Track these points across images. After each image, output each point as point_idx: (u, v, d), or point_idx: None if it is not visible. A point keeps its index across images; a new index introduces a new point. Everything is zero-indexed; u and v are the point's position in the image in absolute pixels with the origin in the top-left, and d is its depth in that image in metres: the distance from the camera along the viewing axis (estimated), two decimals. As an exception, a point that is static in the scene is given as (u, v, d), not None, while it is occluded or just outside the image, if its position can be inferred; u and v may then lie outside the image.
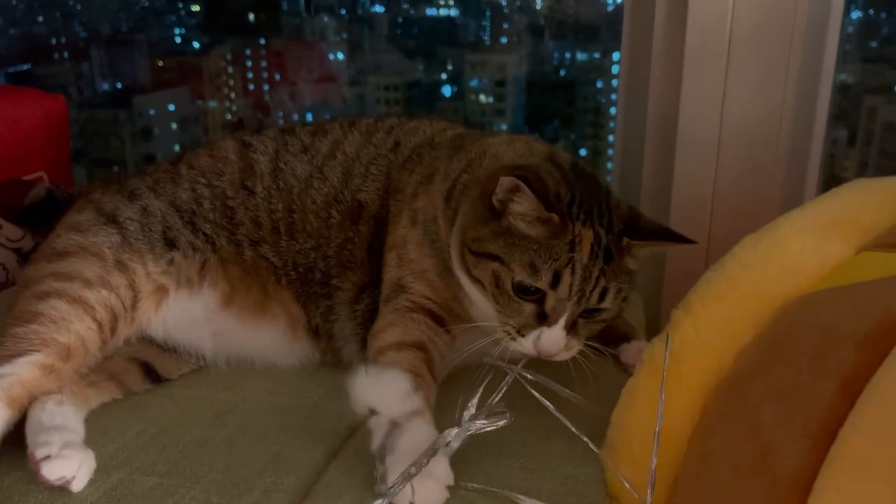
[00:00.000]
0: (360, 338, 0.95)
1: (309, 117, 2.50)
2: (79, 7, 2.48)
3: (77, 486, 0.75)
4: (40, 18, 2.44)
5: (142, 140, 2.39)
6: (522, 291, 0.81)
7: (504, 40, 2.52)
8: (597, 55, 2.27)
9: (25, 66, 2.39)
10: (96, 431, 0.85)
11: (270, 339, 0.99)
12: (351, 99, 2.49)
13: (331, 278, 0.96)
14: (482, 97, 2.43)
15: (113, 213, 0.97)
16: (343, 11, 2.53)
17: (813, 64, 1.04)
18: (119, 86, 2.45)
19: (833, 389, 0.59)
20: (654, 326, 1.15)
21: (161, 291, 0.96)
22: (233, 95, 2.44)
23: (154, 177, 1.02)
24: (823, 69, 1.04)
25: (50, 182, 1.31)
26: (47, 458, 0.75)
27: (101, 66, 2.41)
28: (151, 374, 0.97)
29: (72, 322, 0.87)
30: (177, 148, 2.43)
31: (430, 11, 2.61)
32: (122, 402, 0.94)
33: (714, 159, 1.07)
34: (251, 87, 2.46)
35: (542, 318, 0.82)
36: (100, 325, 0.89)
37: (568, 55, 2.35)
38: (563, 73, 2.36)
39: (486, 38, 2.46)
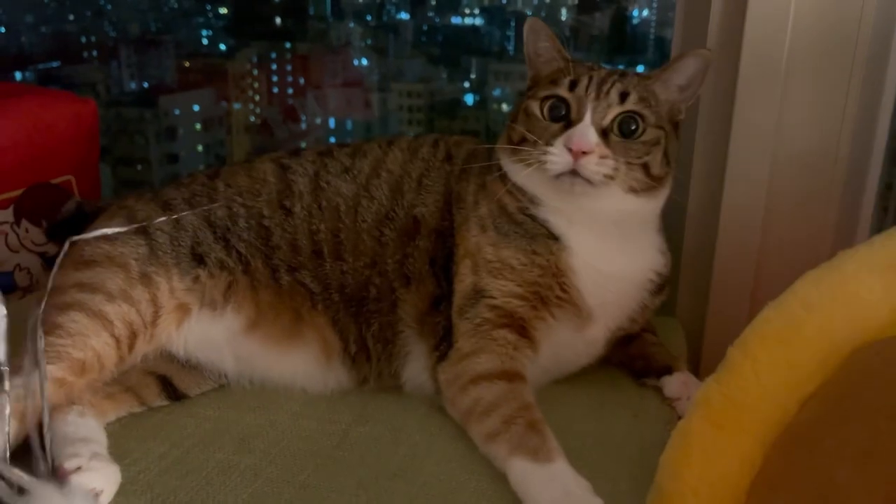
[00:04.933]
0: (432, 356, 0.88)
1: (331, 123, 2.44)
2: (109, 7, 2.43)
3: (104, 500, 0.72)
4: (71, 17, 2.40)
5: (166, 139, 2.35)
6: (552, 111, 0.83)
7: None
8: (621, 66, 2.21)
9: (55, 64, 2.34)
10: (118, 451, 0.80)
11: (300, 366, 0.93)
12: (374, 104, 2.43)
13: (392, 291, 0.90)
14: (505, 106, 2.38)
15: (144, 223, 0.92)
16: (369, 17, 2.48)
17: (874, 89, 0.97)
18: (146, 85, 2.40)
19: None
20: (696, 358, 1.08)
21: (183, 310, 0.90)
22: (257, 98, 2.39)
23: (191, 189, 0.96)
24: (884, 94, 0.96)
25: (78, 186, 1.26)
26: (78, 469, 0.72)
27: (128, 66, 2.37)
28: (169, 389, 0.92)
29: (89, 337, 0.82)
30: (200, 148, 2.38)
31: (456, 20, 2.55)
32: (143, 419, 0.88)
33: (765, 187, 1.00)
34: (276, 90, 2.41)
35: (569, 126, 0.82)
36: (117, 341, 0.84)
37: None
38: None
39: (511, 47, 2.40)
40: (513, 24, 2.46)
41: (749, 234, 1.01)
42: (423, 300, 0.90)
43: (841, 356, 0.66)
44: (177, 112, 2.37)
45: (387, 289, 0.90)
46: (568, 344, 0.89)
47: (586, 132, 0.80)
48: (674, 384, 0.90)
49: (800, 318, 0.69)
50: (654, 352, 0.95)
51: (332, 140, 2.58)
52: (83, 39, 2.36)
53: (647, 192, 0.84)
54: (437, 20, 2.51)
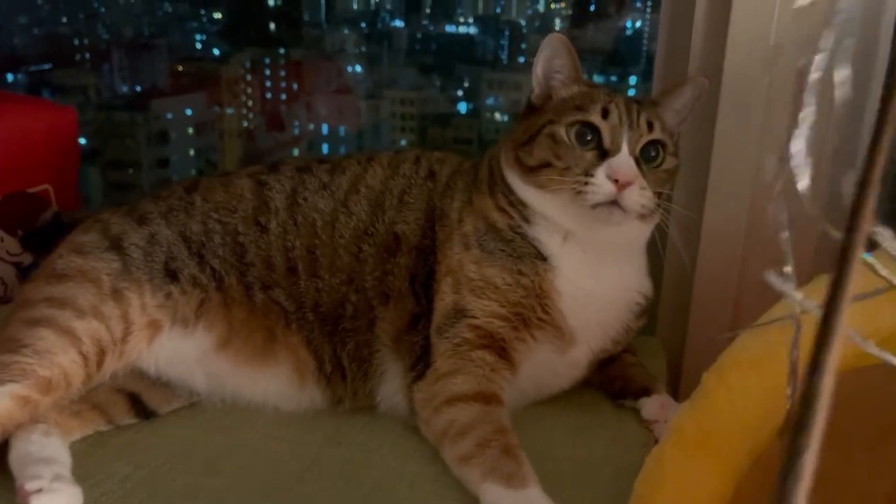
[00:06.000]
0: (408, 375, 0.86)
1: (324, 130, 2.42)
2: (102, 10, 2.42)
3: None
4: (64, 19, 2.38)
5: (157, 143, 2.33)
6: (579, 138, 0.81)
7: (522, 60, 2.45)
8: (614, 78, 2.20)
9: (47, 66, 2.33)
10: (83, 472, 0.77)
11: (273, 385, 0.91)
12: (366, 112, 2.42)
13: (370, 309, 0.88)
14: (497, 116, 2.37)
15: (118, 238, 0.90)
16: (363, 25, 2.47)
17: (855, 112, 0.95)
18: (138, 89, 2.39)
19: (890, 492, 0.51)
20: (676, 381, 1.06)
21: (154, 327, 0.88)
22: (250, 103, 2.38)
23: (168, 203, 0.94)
24: (866, 116, 0.95)
25: (55, 195, 1.24)
26: (39, 491, 0.70)
27: (121, 69, 2.35)
28: (139, 407, 0.89)
29: (56, 354, 0.80)
30: (192, 153, 2.36)
31: (450, 28, 2.54)
32: (110, 438, 0.86)
33: (746, 209, 0.98)
34: (269, 95, 2.40)
35: (605, 156, 0.81)
36: (86, 359, 0.82)
37: (585, 78, 2.28)
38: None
39: (504, 57, 2.39)
40: (507, 33, 2.45)
41: (730, 256, 0.99)
42: (402, 318, 0.88)
43: None
44: (169, 116, 2.35)
45: (364, 306, 0.88)
46: (549, 366, 0.87)
47: (629, 162, 0.79)
48: (651, 407, 0.88)
49: (776, 345, 0.66)
50: (633, 373, 0.93)
51: (325, 148, 2.56)
52: (76, 42, 2.34)
53: (649, 216, 0.84)
54: (432, 28, 2.50)
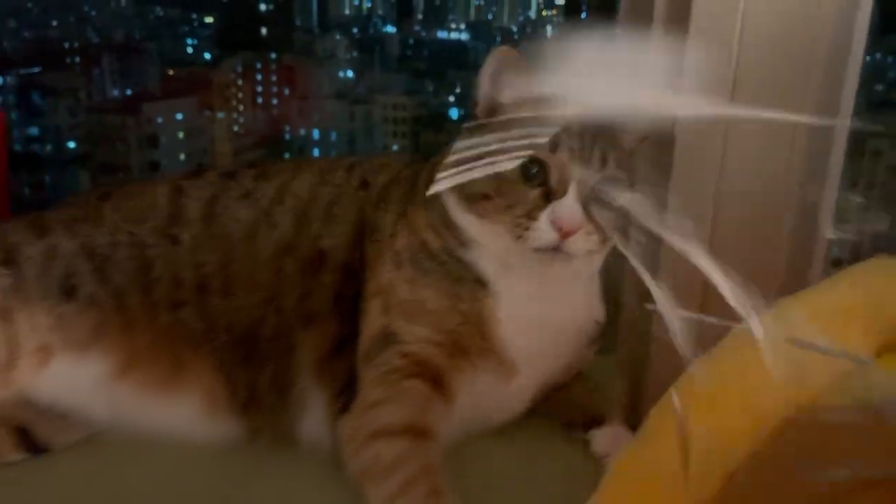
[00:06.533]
0: (333, 406, 0.79)
1: (315, 135, 2.41)
2: (93, 13, 2.41)
3: None
4: (54, 22, 2.37)
5: (148, 147, 2.32)
6: (524, 172, 0.73)
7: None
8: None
9: (36, 69, 2.32)
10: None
11: (181, 415, 0.82)
12: (359, 117, 2.42)
13: (290, 332, 0.80)
14: (489, 122, 2.36)
15: (12, 250, 0.81)
16: (355, 30, 2.47)
17: (828, 112, 0.92)
18: (129, 92, 2.38)
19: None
20: (638, 405, 0.97)
21: (46, 351, 0.79)
22: (241, 108, 2.37)
23: (75, 211, 0.86)
24: (840, 118, 0.92)
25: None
26: None
27: (112, 73, 2.34)
28: (28, 441, 0.79)
29: None
30: (182, 157, 2.35)
31: (441, 34, 2.54)
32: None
33: (709, 224, 0.92)
34: (259, 100, 2.39)
35: (550, 197, 0.73)
36: None
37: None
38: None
39: (496, 63, 2.39)
40: (498, 39, 2.45)
41: (693, 271, 0.95)
42: (325, 343, 0.80)
43: (775, 424, 0.56)
44: (160, 120, 2.34)
45: (284, 329, 0.80)
46: (490, 396, 0.79)
47: (575, 208, 0.72)
48: (602, 439, 0.80)
49: (731, 378, 0.58)
50: (585, 400, 0.85)
51: (316, 152, 2.55)
52: (66, 45, 2.33)
53: (604, 243, 0.77)
54: (424, 34, 2.49)
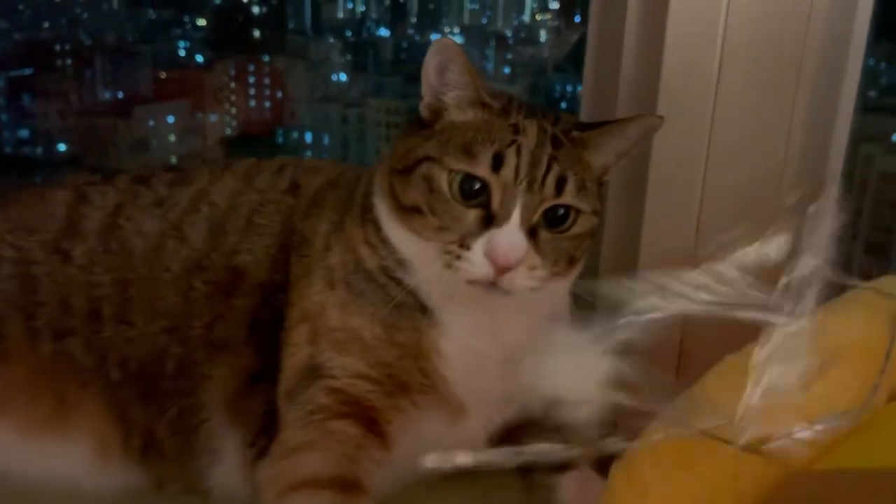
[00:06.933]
0: (248, 451, 0.68)
1: (308, 138, 2.40)
2: (85, 15, 2.39)
3: None
4: (46, 24, 2.35)
5: (139, 151, 2.30)
6: (462, 190, 0.61)
7: (507, 70, 2.44)
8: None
9: (28, 71, 2.30)
10: None
11: (67, 462, 0.71)
12: (352, 120, 2.41)
13: (196, 366, 0.69)
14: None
15: None
16: (348, 33, 2.46)
17: (825, 113, 0.88)
18: (120, 95, 2.36)
19: None
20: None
21: None
22: (234, 110, 2.36)
23: None
24: (838, 119, 0.87)
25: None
26: None
27: (103, 75, 2.33)
28: None
29: None
30: (174, 160, 2.34)
31: (435, 38, 2.53)
32: None
33: (693, 225, 0.83)
34: (252, 103, 2.38)
35: (490, 222, 0.61)
36: None
37: (570, 88, 2.27)
38: (564, 105, 2.28)
39: (490, 67, 2.39)
40: (492, 43, 2.44)
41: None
42: (238, 377, 0.69)
43: (758, 491, 0.48)
44: (151, 123, 2.32)
45: (189, 362, 0.69)
46: (436, 441, 0.68)
47: (515, 241, 0.60)
48: (568, 487, 0.69)
49: (707, 430, 0.48)
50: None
51: (309, 155, 2.54)
52: (58, 47, 2.31)
53: (563, 276, 0.66)
54: (417, 38, 2.48)
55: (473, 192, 0.62)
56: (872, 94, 2.21)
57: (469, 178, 0.62)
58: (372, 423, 0.65)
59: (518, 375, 0.60)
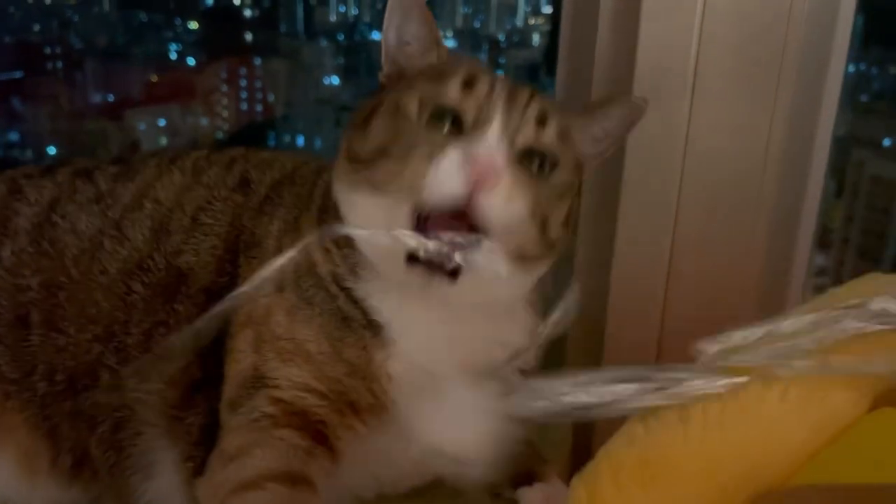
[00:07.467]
0: (186, 466, 0.64)
1: (300, 141, 2.39)
2: (76, 18, 2.38)
3: None
4: (36, 27, 2.34)
5: (130, 154, 2.30)
6: (432, 116, 0.55)
7: (500, 74, 2.44)
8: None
9: (18, 74, 2.29)
10: None
11: None
12: (344, 123, 2.40)
13: (132, 377, 0.66)
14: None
15: None
16: (341, 36, 2.45)
17: (808, 111, 0.85)
18: (111, 98, 2.35)
19: None
20: (587, 454, 0.81)
21: None
22: (225, 113, 2.35)
23: None
24: (821, 120, 0.85)
25: None
26: None
27: (94, 78, 2.32)
28: None
29: None
30: (165, 164, 2.33)
31: (428, 41, 2.53)
32: None
33: (671, 227, 0.79)
34: (244, 106, 2.37)
35: (465, 135, 0.55)
36: None
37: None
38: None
39: (482, 71, 2.39)
40: (486, 48, 2.44)
41: (649, 304, 0.79)
42: (178, 387, 0.64)
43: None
44: (142, 126, 2.31)
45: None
46: (389, 461, 0.64)
47: (496, 153, 0.52)
48: (534, 498, 0.66)
49: (675, 446, 0.45)
50: (515, 452, 0.70)
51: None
52: (48, 50, 2.30)
53: (531, 261, 0.58)
54: (410, 41, 2.49)
55: (441, 119, 0.55)
56: (864, 98, 2.21)
57: (440, 110, 0.55)
58: (320, 437, 0.61)
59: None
